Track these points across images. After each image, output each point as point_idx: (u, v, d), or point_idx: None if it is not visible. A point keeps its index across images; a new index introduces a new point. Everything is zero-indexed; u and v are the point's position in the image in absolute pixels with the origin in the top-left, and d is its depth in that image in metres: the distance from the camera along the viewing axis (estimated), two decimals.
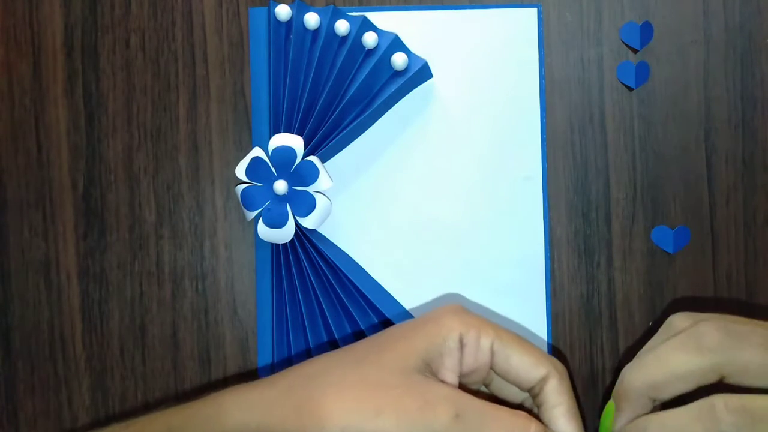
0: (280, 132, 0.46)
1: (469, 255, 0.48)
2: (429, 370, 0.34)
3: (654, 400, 0.34)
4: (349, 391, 0.33)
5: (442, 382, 0.35)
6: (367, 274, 0.48)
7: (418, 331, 0.35)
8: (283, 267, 0.47)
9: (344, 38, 0.46)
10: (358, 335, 0.47)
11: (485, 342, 0.35)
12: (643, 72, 0.48)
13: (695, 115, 0.48)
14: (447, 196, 0.48)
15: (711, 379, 0.32)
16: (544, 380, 0.35)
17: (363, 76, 0.46)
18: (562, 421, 0.35)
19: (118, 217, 0.48)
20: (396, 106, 0.48)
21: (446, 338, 0.35)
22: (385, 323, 0.46)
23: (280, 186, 0.45)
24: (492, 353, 0.35)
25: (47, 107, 0.48)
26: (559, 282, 0.48)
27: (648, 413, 0.34)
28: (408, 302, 0.48)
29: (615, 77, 0.48)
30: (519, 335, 0.36)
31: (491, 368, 0.36)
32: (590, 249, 0.48)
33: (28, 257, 0.48)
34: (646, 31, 0.48)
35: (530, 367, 0.35)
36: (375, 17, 0.48)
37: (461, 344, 0.35)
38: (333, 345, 0.47)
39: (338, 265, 0.46)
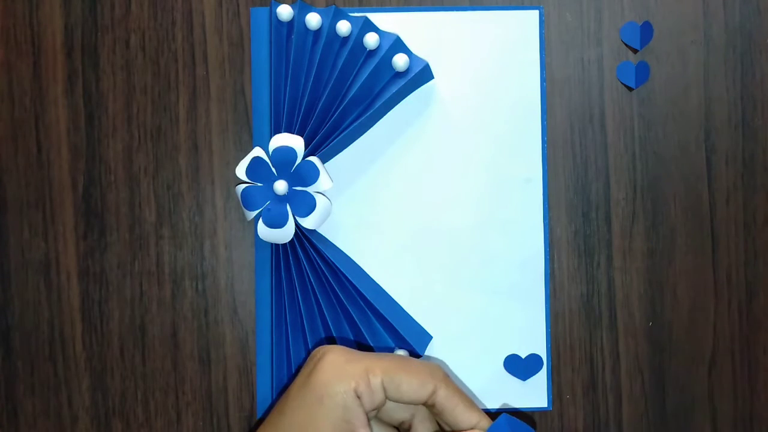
0: (280, 132, 0.46)
1: (468, 255, 0.48)
2: None
3: None
4: None
5: None
6: (367, 275, 0.48)
7: (322, 416, 0.38)
8: (282, 267, 0.47)
9: (345, 39, 0.46)
10: (357, 336, 0.47)
11: (376, 383, 0.38)
12: (643, 72, 0.48)
13: (695, 115, 0.48)
14: (447, 197, 0.48)
15: None
16: (434, 393, 0.39)
17: (364, 77, 0.46)
18: (465, 416, 0.39)
19: (118, 217, 0.48)
20: (397, 107, 0.48)
21: (346, 405, 0.37)
22: (384, 324, 0.46)
23: (281, 186, 0.45)
24: (384, 388, 0.38)
25: (47, 107, 0.48)
26: (559, 282, 0.48)
27: None
28: (407, 303, 0.48)
29: (615, 77, 0.48)
30: (400, 359, 0.40)
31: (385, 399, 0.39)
32: (590, 249, 0.48)
33: (28, 257, 0.48)
34: (646, 31, 0.48)
35: (418, 388, 0.39)
36: (376, 18, 0.48)
37: (357, 396, 0.38)
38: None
39: (338, 266, 0.46)
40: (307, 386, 0.39)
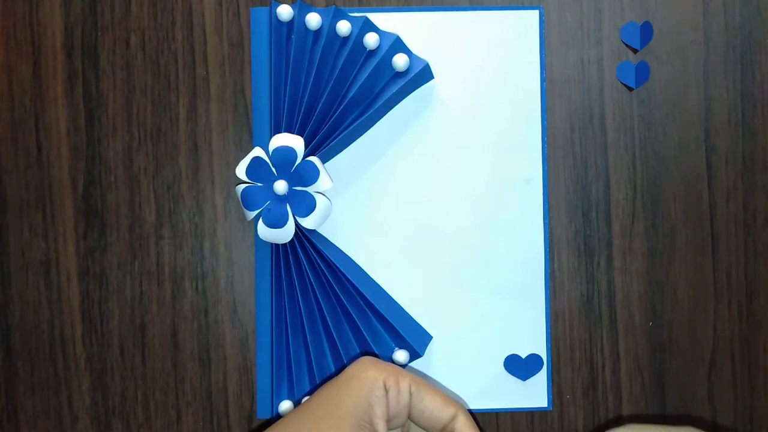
0: (280, 132, 0.46)
1: (468, 255, 0.48)
2: (365, 426, 0.39)
3: None
4: None
5: None
6: (367, 274, 0.48)
7: (347, 393, 0.39)
8: (282, 267, 0.47)
9: (345, 39, 0.46)
10: (357, 336, 0.47)
11: (404, 385, 0.39)
12: (643, 72, 0.48)
13: (695, 115, 0.48)
14: (447, 197, 0.48)
15: None
16: (454, 418, 0.40)
17: (364, 77, 0.46)
18: None
19: (118, 217, 0.48)
20: (397, 107, 0.48)
21: (372, 389, 0.39)
22: (384, 324, 0.46)
23: (281, 186, 0.45)
24: (410, 395, 0.39)
25: (47, 107, 0.48)
26: (559, 282, 0.48)
27: None
28: (407, 303, 0.48)
29: (615, 77, 0.48)
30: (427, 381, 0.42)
31: (408, 410, 0.40)
32: (590, 249, 0.48)
33: (28, 257, 0.48)
34: (646, 31, 0.48)
35: (442, 406, 0.40)
36: (376, 18, 0.48)
37: (386, 390, 0.39)
38: (331, 345, 0.47)
39: (338, 266, 0.46)
40: (338, 376, 0.41)
